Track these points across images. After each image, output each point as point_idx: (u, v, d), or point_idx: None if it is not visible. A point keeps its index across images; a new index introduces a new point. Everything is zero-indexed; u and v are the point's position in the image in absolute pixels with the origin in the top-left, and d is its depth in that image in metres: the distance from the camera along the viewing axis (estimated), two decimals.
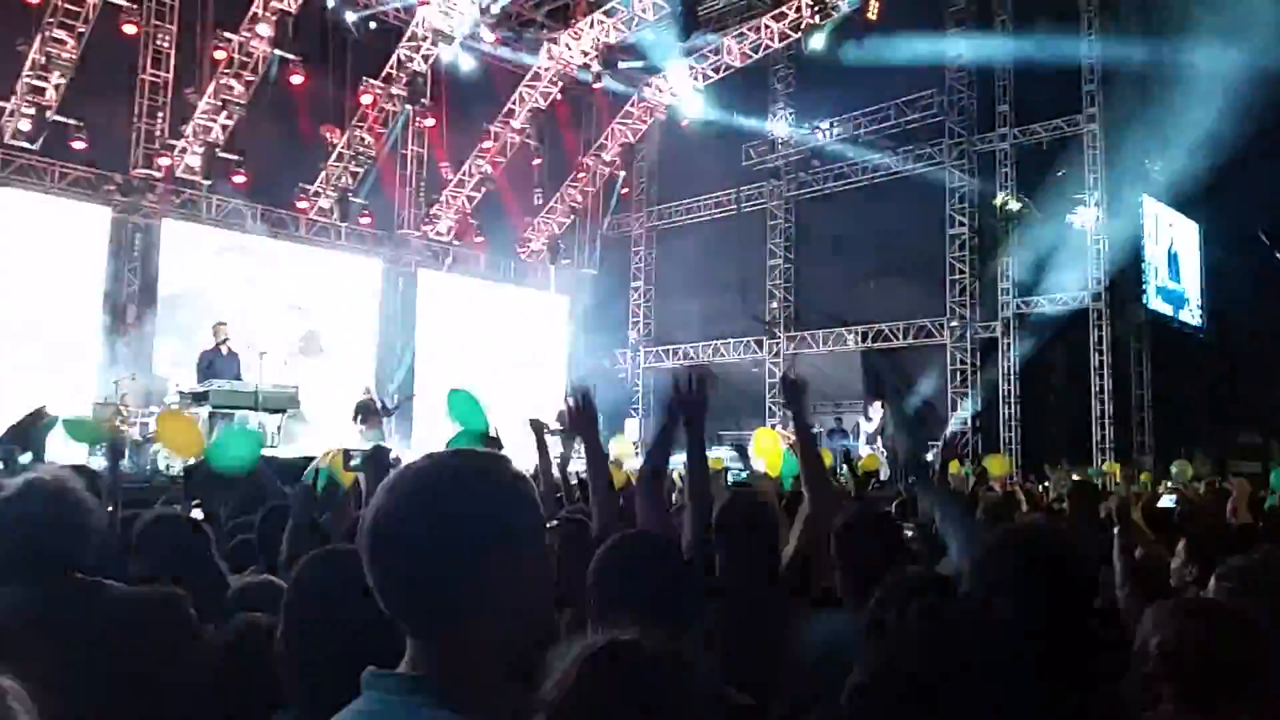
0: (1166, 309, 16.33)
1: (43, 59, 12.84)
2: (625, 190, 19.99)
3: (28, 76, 12.84)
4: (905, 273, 16.79)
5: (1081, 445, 14.48)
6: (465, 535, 1.18)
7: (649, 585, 2.13)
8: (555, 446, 4.73)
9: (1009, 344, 15.86)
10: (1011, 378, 15.79)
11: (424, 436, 14.86)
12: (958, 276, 16.32)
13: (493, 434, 4.54)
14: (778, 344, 18.52)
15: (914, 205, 16.70)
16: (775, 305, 18.69)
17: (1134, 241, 15.33)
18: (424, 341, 17.53)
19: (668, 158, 20.29)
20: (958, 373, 16.18)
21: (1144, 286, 15.54)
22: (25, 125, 12.90)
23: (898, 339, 17.03)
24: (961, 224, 16.34)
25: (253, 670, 1.95)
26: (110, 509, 3.93)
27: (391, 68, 15.91)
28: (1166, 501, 7.33)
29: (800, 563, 2.87)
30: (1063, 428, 15.05)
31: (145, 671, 2.10)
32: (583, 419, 3.32)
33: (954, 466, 9.28)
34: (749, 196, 19.21)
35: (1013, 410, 15.70)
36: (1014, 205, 15.58)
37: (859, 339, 17.41)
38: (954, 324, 16.22)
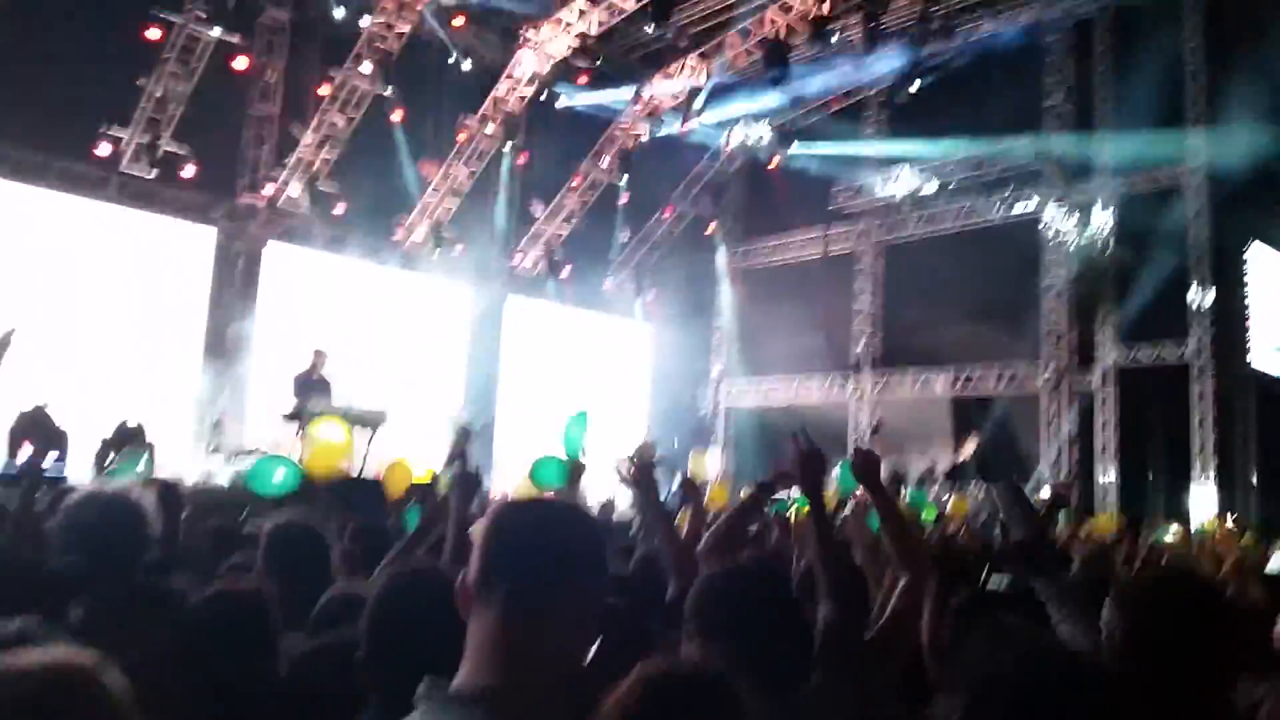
0: (1276, 367, 15.57)
1: (159, 92, 13.50)
2: (711, 229, 20.03)
3: (145, 108, 13.51)
4: (999, 319, 16.38)
5: (1181, 505, 13.85)
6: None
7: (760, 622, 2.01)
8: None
9: (1106, 396, 15.32)
10: (1109, 431, 15.22)
11: (505, 460, 15.03)
12: (1054, 325, 15.87)
13: (581, 459, 4.59)
14: (862, 385, 18.23)
15: (1009, 251, 16.32)
16: (861, 346, 18.43)
17: (1241, 294, 14.72)
18: (509, 368, 17.81)
19: (754, 197, 20.28)
20: (1051, 423, 15.67)
21: (1249, 342, 14.87)
22: (141, 154, 13.56)
23: (989, 386, 16.59)
24: (1058, 272, 15.91)
25: (332, 678, 1.97)
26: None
27: (488, 108, 16.31)
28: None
29: (884, 643, 2.50)
30: (1161, 485, 14.43)
31: (222, 674, 2.12)
32: (641, 483, 3.34)
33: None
34: (836, 239, 19.09)
35: (1109, 465, 15.11)
36: (1113, 256, 15.12)
37: (948, 383, 17.02)
38: (1048, 375, 15.75)
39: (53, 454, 7.47)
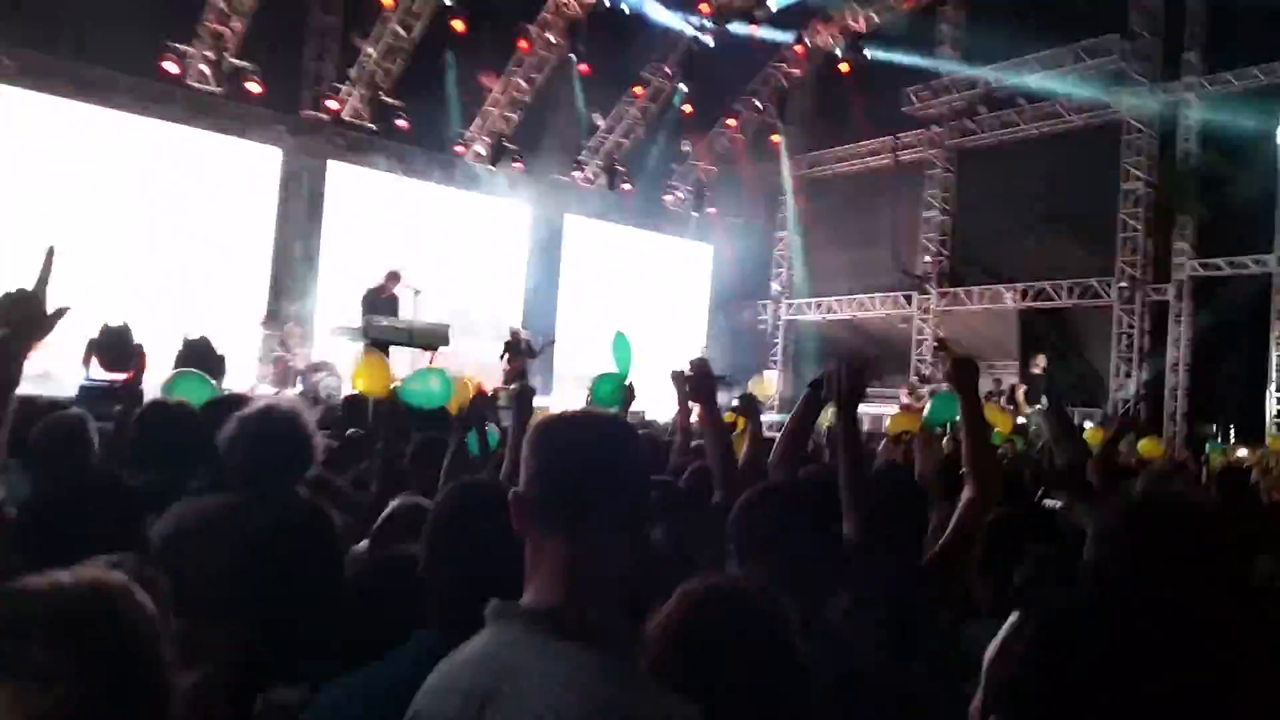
0: None
1: (222, 4, 13.50)
2: (775, 138, 19.56)
3: (208, 21, 13.53)
4: (1072, 229, 15.84)
5: (1256, 423, 13.46)
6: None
7: (795, 537, 2.06)
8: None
9: (1181, 309, 14.83)
10: (1182, 345, 14.77)
11: (564, 377, 15.18)
12: (1130, 235, 15.31)
13: (628, 383, 4.70)
14: (929, 300, 17.90)
15: (1086, 157, 15.71)
16: (929, 259, 18.04)
17: None
18: (567, 286, 17.85)
19: (822, 104, 19.69)
20: (1124, 337, 15.25)
21: None
22: (206, 69, 13.63)
23: (1060, 298, 16.15)
24: (1137, 178, 15.27)
25: (395, 590, 2.04)
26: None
27: (548, 14, 16.00)
28: None
29: (945, 561, 2.50)
30: (1235, 403, 14.01)
31: (292, 577, 2.21)
32: (700, 388, 3.30)
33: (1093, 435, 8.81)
34: (907, 145, 18.54)
35: (1181, 380, 14.71)
36: (1196, 163, 14.44)
37: (1017, 296, 16.62)
38: (1123, 285, 15.26)
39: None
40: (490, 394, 4.44)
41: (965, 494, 2.58)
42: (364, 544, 2.88)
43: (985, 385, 15.01)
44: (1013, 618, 1.77)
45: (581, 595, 1.25)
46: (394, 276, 11.70)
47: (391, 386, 5.16)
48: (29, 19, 12.13)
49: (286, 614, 2.16)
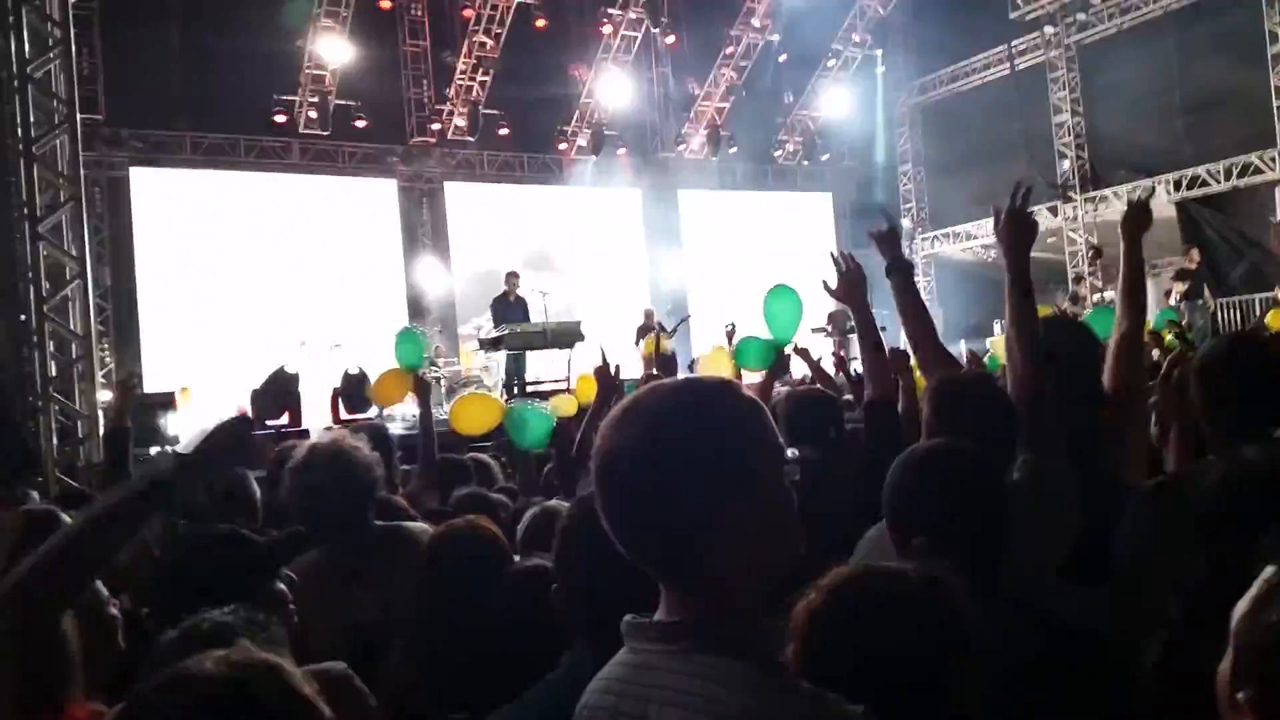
0: None
1: (316, 49, 13.96)
2: (882, 68, 18.81)
3: (308, 69, 14.02)
4: (1220, 107, 14.59)
5: None
6: (699, 476, 1.06)
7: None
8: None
9: None
10: None
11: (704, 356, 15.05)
12: None
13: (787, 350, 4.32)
14: (1075, 208, 16.86)
15: (1224, 25, 14.42)
16: (1068, 166, 16.98)
17: None
18: (692, 261, 17.67)
19: (924, 26, 18.77)
20: None
21: None
22: (313, 114, 14.15)
23: (1217, 183, 14.92)
24: None
25: (541, 609, 1.96)
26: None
27: None
28: None
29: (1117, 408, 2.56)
30: None
31: (460, 603, 2.18)
32: (848, 284, 3.10)
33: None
34: (1022, 51, 17.50)
35: None
36: None
37: (1171, 188, 15.44)
38: None
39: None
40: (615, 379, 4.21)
41: (1118, 327, 2.70)
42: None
43: (1152, 288, 14.09)
44: (1269, 571, 1.52)
45: (713, 602, 1.12)
46: (513, 277, 11.87)
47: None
48: (145, 100, 12.89)
49: (449, 645, 2.14)
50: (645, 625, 1.17)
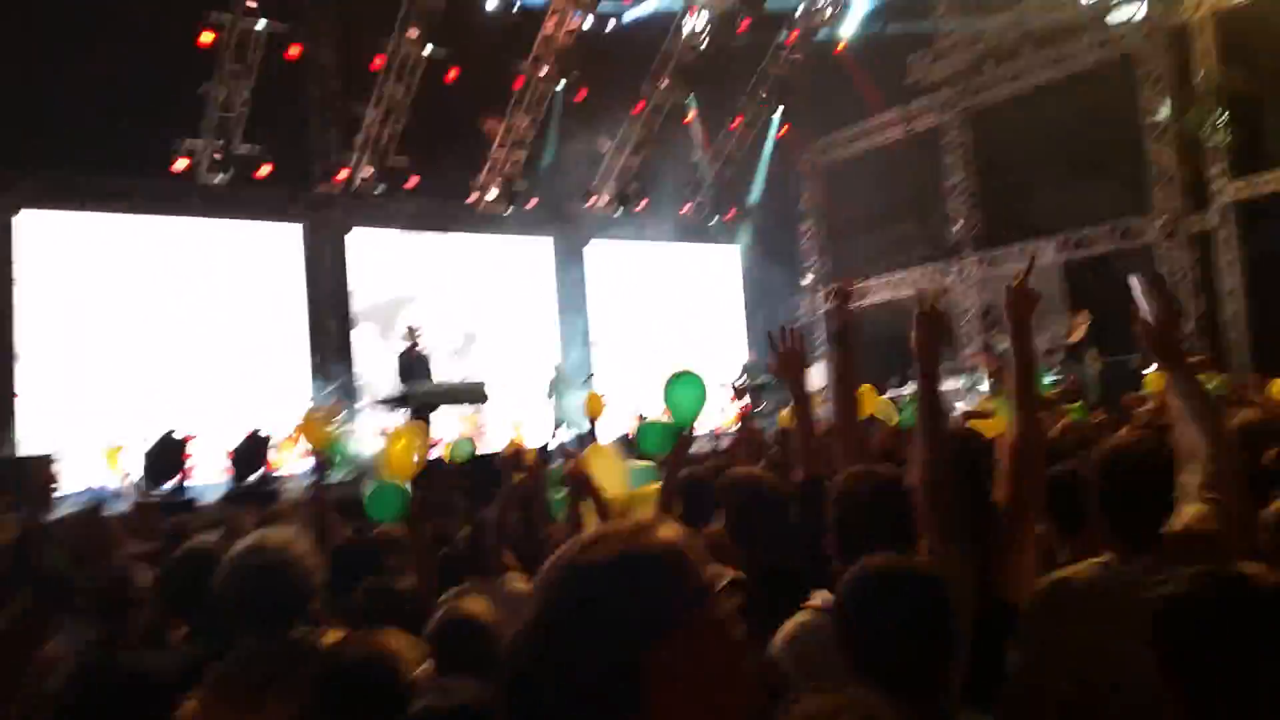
0: None
1: (221, 96, 13.70)
2: (784, 129, 19.37)
3: (212, 114, 13.74)
4: (1102, 171, 15.43)
5: None
6: (621, 642, 0.98)
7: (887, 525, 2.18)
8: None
9: (1227, 235, 14.34)
10: (1234, 272, 14.28)
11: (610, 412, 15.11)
12: (1162, 168, 14.87)
13: (686, 433, 4.14)
14: (966, 267, 17.54)
15: (1104, 95, 15.28)
16: (959, 226, 17.68)
17: None
18: (599, 315, 17.73)
19: (825, 89, 19.42)
20: (1171, 273, 14.79)
21: None
22: (216, 157, 13.84)
23: (1100, 245, 15.74)
24: (1160, 109, 14.82)
25: None
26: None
27: (539, 48, 16.03)
28: None
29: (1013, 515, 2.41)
30: None
31: None
32: (786, 361, 3.19)
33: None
34: (918, 113, 18.24)
35: (1241, 308, 14.21)
36: (1217, 80, 13.97)
37: (1057, 248, 16.22)
38: (1162, 222, 14.81)
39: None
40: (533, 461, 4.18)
41: (1009, 435, 2.50)
42: None
43: (1042, 342, 14.74)
44: None
45: None
46: (413, 330, 11.76)
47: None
48: (39, 139, 12.38)
49: None
50: None
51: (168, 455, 8.25)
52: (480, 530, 3.68)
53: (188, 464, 8.38)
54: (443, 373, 11.15)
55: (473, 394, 10.47)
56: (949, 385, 15.16)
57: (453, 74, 15.22)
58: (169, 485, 8.08)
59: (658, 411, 4.87)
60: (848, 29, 17.15)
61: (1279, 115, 13.77)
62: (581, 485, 3.80)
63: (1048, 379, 11.09)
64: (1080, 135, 15.46)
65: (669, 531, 1.06)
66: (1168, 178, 14.79)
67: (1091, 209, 15.65)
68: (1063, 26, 15.49)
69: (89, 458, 9.89)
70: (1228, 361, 13.43)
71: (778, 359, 3.24)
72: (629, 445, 5.74)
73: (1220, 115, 14.13)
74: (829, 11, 17.46)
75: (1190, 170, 14.66)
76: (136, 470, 8.80)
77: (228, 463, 9.00)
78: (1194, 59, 14.45)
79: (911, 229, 18.12)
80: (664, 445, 4.60)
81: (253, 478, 8.75)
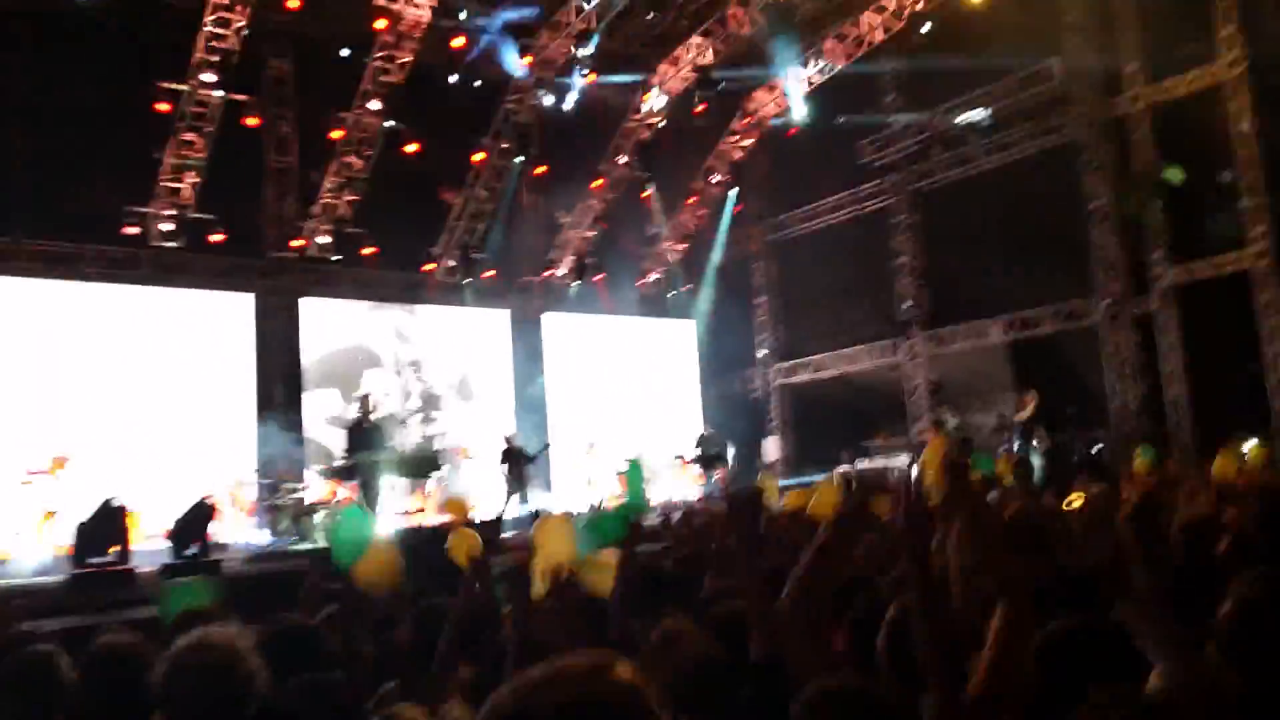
0: None
1: (176, 162, 13.64)
2: (739, 207, 19.76)
3: (165, 180, 13.65)
4: (1046, 255, 15.86)
5: (1266, 421, 13.29)
6: None
7: None
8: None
9: (1168, 319, 14.78)
10: (1176, 355, 14.69)
11: (563, 482, 15.02)
12: (1104, 253, 15.35)
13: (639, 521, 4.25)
14: (915, 345, 17.85)
15: (1047, 181, 15.82)
16: (907, 305, 18.04)
17: None
18: (556, 385, 17.72)
19: (779, 169, 19.93)
20: (1114, 355, 15.18)
21: None
22: (168, 226, 13.72)
23: (1045, 326, 16.14)
24: (1101, 197, 15.37)
25: None
26: None
27: (499, 123, 16.25)
28: None
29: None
30: (1241, 404, 13.86)
31: None
32: (736, 518, 2.91)
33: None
34: (868, 196, 18.72)
35: (1182, 389, 14.58)
36: (1156, 170, 14.56)
37: (1002, 329, 16.60)
38: (1105, 305, 15.24)
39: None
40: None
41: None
42: None
43: (989, 420, 14.99)
44: None
45: None
46: (366, 399, 11.64)
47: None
48: None
49: None
50: None
51: (106, 524, 7.96)
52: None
53: (128, 533, 8.09)
54: (396, 441, 10.97)
55: (425, 463, 10.31)
56: (898, 461, 15.36)
57: (413, 147, 15.32)
58: (107, 556, 7.79)
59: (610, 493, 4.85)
60: (799, 114, 17.62)
61: (1214, 204, 14.31)
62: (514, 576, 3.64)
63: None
64: (1025, 219, 15.93)
65: (625, 672, 0.98)
66: (1109, 262, 15.26)
67: (1036, 290, 16.06)
68: (1001, 115, 16.08)
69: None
70: (1170, 443, 13.71)
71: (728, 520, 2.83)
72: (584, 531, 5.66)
73: (1156, 201, 14.66)
74: (782, 99, 17.97)
75: (1131, 255, 15.14)
76: (68, 540, 8.46)
77: (169, 531, 8.71)
78: (1132, 149, 15.04)
79: (863, 306, 18.45)
80: (617, 533, 4.56)
81: (192, 549, 8.46)
